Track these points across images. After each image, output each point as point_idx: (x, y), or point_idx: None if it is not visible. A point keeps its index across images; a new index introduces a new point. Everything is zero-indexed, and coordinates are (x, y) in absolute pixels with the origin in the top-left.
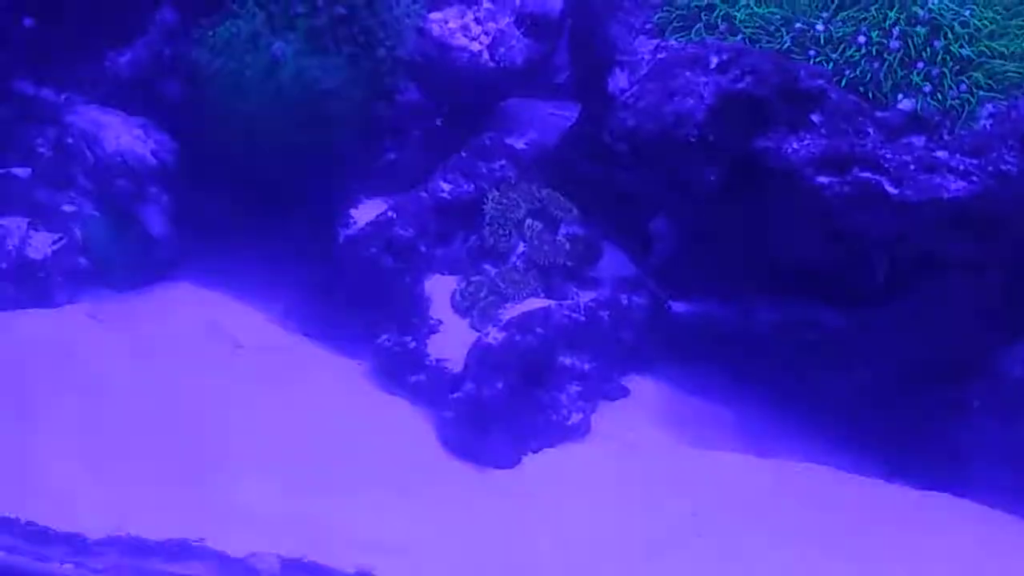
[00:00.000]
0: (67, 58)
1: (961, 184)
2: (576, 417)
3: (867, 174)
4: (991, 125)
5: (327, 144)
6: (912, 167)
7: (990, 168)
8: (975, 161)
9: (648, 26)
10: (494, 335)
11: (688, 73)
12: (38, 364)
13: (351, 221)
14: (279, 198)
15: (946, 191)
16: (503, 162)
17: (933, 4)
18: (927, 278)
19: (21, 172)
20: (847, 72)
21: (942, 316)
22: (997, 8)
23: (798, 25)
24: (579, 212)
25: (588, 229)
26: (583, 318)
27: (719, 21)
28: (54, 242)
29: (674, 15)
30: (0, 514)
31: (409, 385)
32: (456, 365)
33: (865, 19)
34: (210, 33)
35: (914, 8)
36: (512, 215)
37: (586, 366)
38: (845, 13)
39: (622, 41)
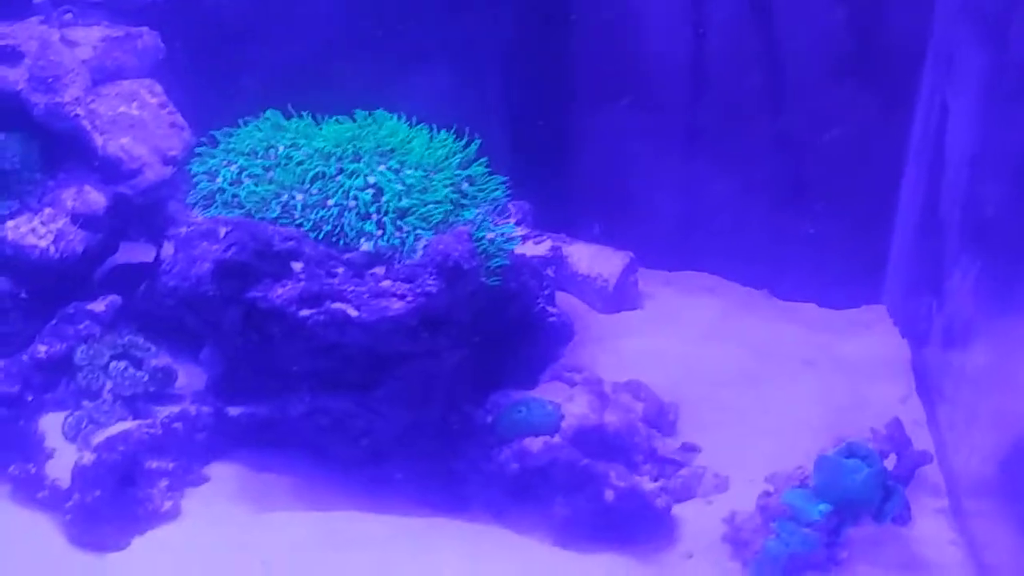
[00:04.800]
0: None
1: (400, 304)
2: (167, 504)
3: (336, 304)
4: (423, 255)
5: None
6: (366, 295)
7: (418, 290)
8: (409, 285)
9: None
10: (87, 457)
11: (204, 243)
12: None
13: None
14: None
15: (390, 310)
16: (87, 322)
17: (377, 175)
18: (400, 366)
19: None
20: (324, 227)
21: (419, 392)
22: (426, 169)
23: (284, 197)
24: (163, 347)
25: (172, 357)
26: (160, 432)
27: (231, 198)
28: None
29: (200, 196)
30: None
31: (37, 500)
32: (67, 482)
33: (331, 188)
34: None
35: (365, 178)
36: (98, 362)
37: (170, 465)
38: (318, 184)
39: (179, 215)
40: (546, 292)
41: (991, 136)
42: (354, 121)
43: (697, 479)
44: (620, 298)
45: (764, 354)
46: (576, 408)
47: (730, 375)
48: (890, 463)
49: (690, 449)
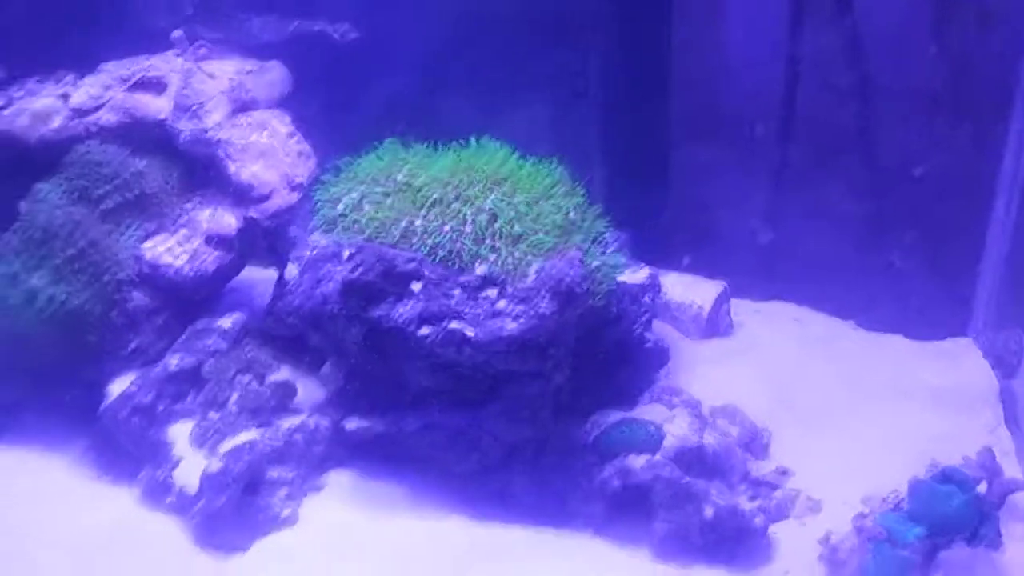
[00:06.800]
0: None
1: (515, 324)
2: (287, 512)
3: (454, 323)
4: (536, 279)
5: (84, 343)
6: (482, 316)
7: (532, 312)
8: (523, 307)
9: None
10: (215, 464)
11: (329, 265)
12: None
13: (107, 394)
14: (61, 385)
15: (504, 330)
16: (215, 338)
17: (490, 201)
18: (510, 385)
19: None
20: (440, 252)
21: (527, 410)
22: (536, 197)
23: (403, 223)
24: (283, 363)
25: (292, 373)
26: (281, 443)
27: (352, 223)
28: None
29: (323, 221)
30: None
31: (166, 504)
32: (194, 488)
33: (448, 213)
34: None
35: (478, 204)
36: (225, 375)
37: (290, 475)
38: (435, 211)
39: (299, 240)
40: (644, 318)
41: None
42: (467, 150)
43: (791, 501)
44: (713, 326)
45: (852, 383)
46: (677, 429)
47: (820, 403)
48: (981, 489)
49: (783, 472)
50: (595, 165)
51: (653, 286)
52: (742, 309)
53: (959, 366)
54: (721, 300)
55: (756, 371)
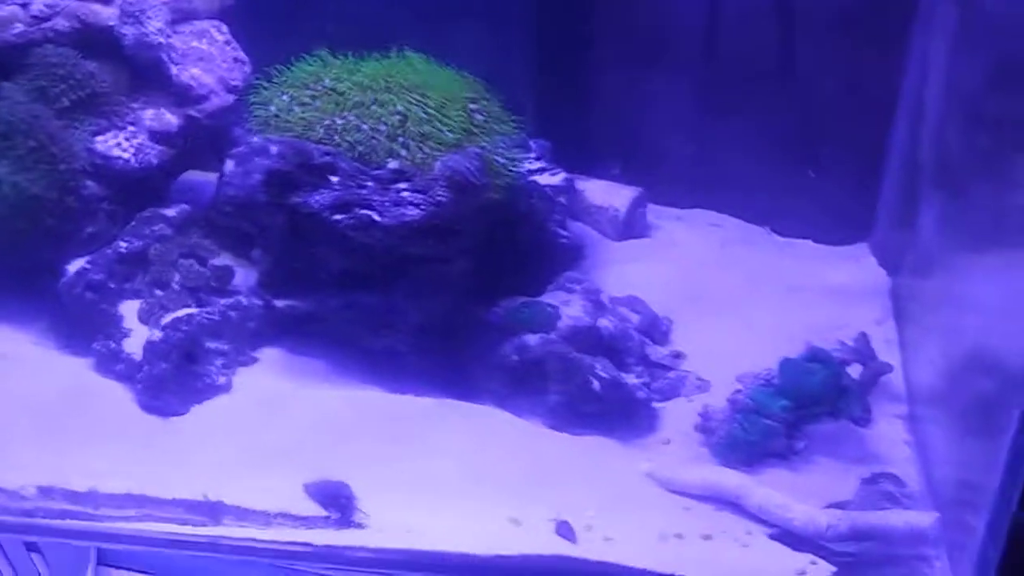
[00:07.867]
0: None
1: (415, 211)
2: (222, 379)
3: (364, 211)
4: (438, 172)
5: (45, 227)
6: (388, 204)
7: (431, 200)
8: (423, 196)
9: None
10: (156, 334)
11: (257, 158)
12: None
13: (65, 272)
14: (24, 265)
15: (407, 216)
16: (161, 225)
17: (403, 104)
18: (415, 268)
19: None
20: (359, 148)
21: (433, 291)
22: (444, 100)
23: (327, 122)
24: (224, 250)
25: (232, 259)
26: (217, 317)
27: (284, 123)
28: None
29: (257, 121)
30: None
31: (115, 372)
32: (139, 356)
33: (366, 115)
34: None
35: (393, 106)
36: (169, 258)
37: (225, 347)
38: (355, 112)
39: (240, 139)
40: (557, 217)
41: (953, 84)
42: (389, 59)
43: (682, 381)
44: (629, 227)
45: (757, 280)
46: (572, 311)
47: (723, 297)
48: (855, 372)
49: (677, 356)
50: (526, 81)
51: (569, 189)
52: (664, 215)
53: (857, 267)
54: (637, 203)
55: (666, 268)
